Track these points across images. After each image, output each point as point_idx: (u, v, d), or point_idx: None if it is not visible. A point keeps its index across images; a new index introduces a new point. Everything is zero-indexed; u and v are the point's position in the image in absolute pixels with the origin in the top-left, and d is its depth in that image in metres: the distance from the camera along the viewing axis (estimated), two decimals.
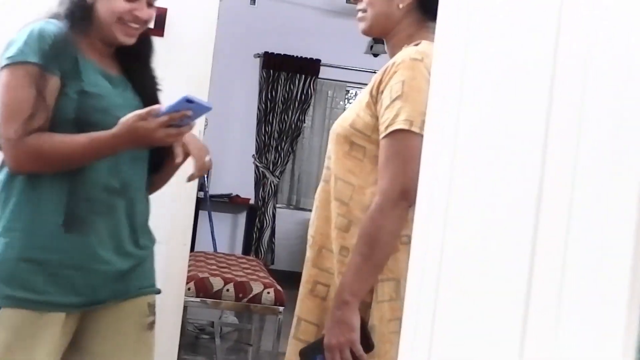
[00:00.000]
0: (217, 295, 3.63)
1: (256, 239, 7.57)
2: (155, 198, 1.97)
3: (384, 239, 1.64)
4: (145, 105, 1.75)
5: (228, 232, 7.64)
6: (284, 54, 7.59)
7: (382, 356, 1.65)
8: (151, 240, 1.94)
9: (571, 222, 0.75)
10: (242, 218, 7.70)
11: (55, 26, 1.74)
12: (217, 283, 3.66)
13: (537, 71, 0.81)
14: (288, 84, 7.63)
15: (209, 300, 3.65)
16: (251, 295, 3.64)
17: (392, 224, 1.64)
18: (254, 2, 7.39)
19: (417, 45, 1.73)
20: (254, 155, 7.62)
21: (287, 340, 1.80)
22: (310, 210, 1.89)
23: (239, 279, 3.73)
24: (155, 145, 1.74)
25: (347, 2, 5.91)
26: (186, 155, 1.85)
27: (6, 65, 1.70)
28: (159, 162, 1.91)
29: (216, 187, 7.25)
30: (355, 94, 7.92)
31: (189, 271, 3.47)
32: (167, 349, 2.93)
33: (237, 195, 7.51)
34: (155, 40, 1.99)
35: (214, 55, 3.04)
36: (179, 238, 3.01)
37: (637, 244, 0.72)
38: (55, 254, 1.71)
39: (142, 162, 1.87)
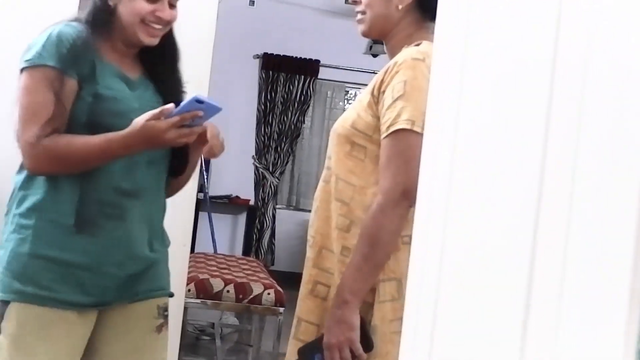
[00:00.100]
0: (218, 296, 3.64)
1: (256, 240, 7.57)
2: None
3: (385, 239, 1.64)
4: None
5: (228, 233, 7.64)
6: (283, 55, 7.59)
7: (384, 356, 1.65)
8: (165, 243, 1.95)
9: (571, 222, 0.75)
10: (242, 219, 7.70)
11: (74, 29, 1.76)
12: (217, 284, 3.66)
13: (536, 70, 0.80)
14: (287, 84, 7.64)
15: (209, 302, 3.65)
16: (251, 296, 3.64)
17: (394, 224, 1.64)
18: (253, 3, 7.40)
19: (418, 45, 1.73)
20: (253, 156, 7.63)
21: (288, 340, 1.80)
22: (310, 211, 1.89)
23: (239, 280, 3.73)
24: (167, 145, 1.75)
25: (345, 3, 5.91)
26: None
27: (25, 68, 1.73)
28: (178, 166, 1.91)
29: (216, 188, 7.25)
30: (355, 95, 7.92)
31: (189, 272, 3.47)
32: (167, 350, 2.93)
33: (236, 197, 7.51)
34: None
35: (213, 56, 3.04)
36: (179, 239, 3.00)
37: (637, 243, 0.71)
38: (65, 253, 1.73)
39: (158, 166, 1.87)
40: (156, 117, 1.68)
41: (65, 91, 1.71)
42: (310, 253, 1.79)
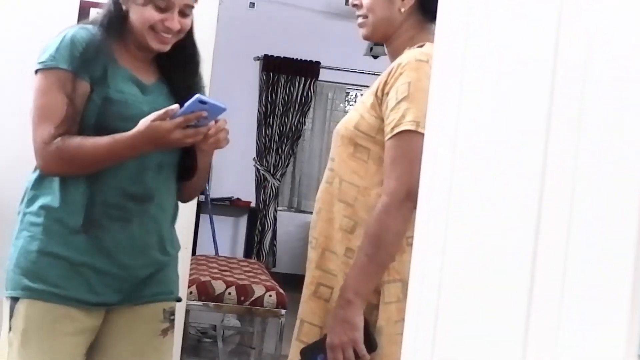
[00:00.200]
0: (219, 298, 3.64)
1: (257, 242, 7.56)
2: None
3: (389, 240, 1.64)
4: None
5: (229, 235, 7.63)
6: (284, 57, 7.59)
7: (389, 357, 1.65)
8: (175, 247, 1.96)
9: (572, 222, 0.75)
10: (243, 221, 7.70)
11: (88, 32, 1.79)
12: (218, 286, 3.66)
13: (537, 70, 0.80)
14: (288, 86, 7.63)
15: (211, 304, 3.65)
16: (253, 298, 3.64)
17: (398, 225, 1.64)
18: (253, 6, 7.40)
19: (421, 47, 1.73)
20: (254, 158, 7.62)
21: (290, 343, 1.80)
22: (311, 213, 1.88)
23: (240, 282, 3.73)
24: (173, 146, 1.75)
25: (346, 4, 5.91)
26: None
27: (39, 70, 1.77)
28: (187, 170, 1.92)
29: (217, 191, 7.25)
30: (355, 96, 7.91)
31: (190, 275, 3.48)
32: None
33: (238, 199, 7.51)
34: None
35: (213, 58, 3.04)
36: (180, 241, 3.00)
37: (639, 243, 0.71)
38: (72, 252, 1.76)
39: (168, 171, 1.88)
40: (161, 118, 1.69)
41: (77, 93, 1.74)
42: (312, 255, 1.79)
